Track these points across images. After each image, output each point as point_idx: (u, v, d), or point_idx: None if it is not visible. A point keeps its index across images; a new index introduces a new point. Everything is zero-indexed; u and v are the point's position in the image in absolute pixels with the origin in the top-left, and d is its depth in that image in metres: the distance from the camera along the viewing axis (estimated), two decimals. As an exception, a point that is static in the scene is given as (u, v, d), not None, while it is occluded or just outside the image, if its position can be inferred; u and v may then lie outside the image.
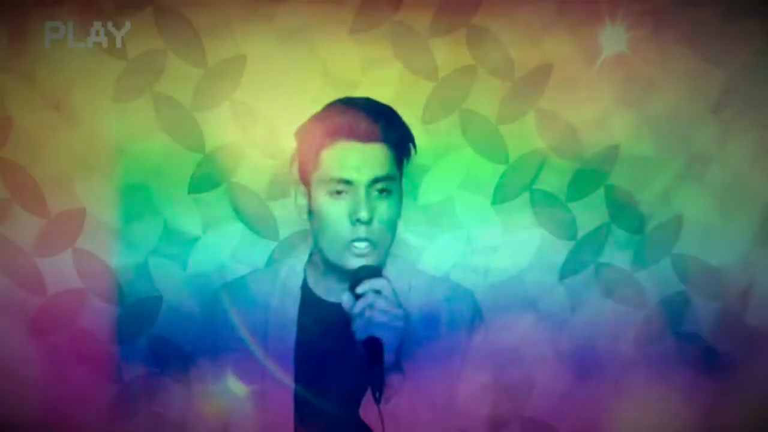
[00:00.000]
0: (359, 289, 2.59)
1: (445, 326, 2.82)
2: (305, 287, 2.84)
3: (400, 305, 2.60)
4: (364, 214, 2.63)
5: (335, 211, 2.68)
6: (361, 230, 2.66)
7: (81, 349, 3.17)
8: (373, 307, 2.57)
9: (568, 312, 3.30)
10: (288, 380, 2.74)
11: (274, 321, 2.79)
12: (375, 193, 2.68)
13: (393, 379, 2.62)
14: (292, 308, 2.81)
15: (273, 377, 2.74)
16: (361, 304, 2.57)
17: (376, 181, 2.67)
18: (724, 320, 3.32)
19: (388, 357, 2.58)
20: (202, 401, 2.83)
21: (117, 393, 3.20)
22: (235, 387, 2.76)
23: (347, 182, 2.67)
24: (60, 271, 3.16)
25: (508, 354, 3.26)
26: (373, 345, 2.55)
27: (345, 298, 2.61)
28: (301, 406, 2.74)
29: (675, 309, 3.32)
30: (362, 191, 2.66)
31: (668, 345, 3.32)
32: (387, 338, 2.56)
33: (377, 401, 2.59)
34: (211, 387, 2.81)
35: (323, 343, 2.76)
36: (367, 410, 2.64)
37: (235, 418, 2.78)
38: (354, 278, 2.63)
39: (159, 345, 3.19)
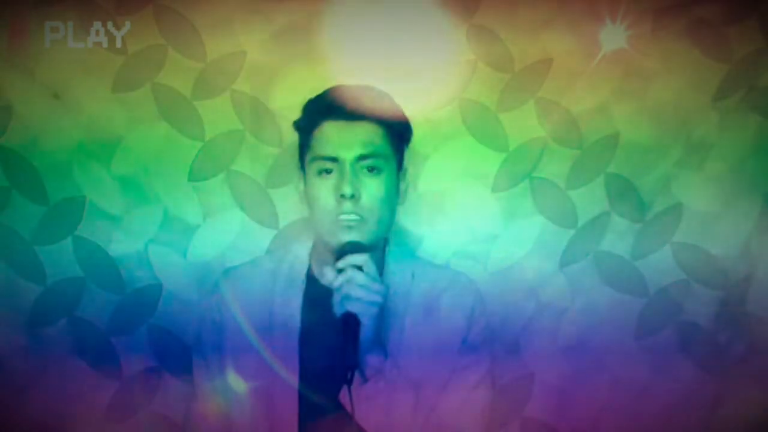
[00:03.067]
0: (339, 264, 2.61)
1: (447, 315, 2.83)
2: (309, 275, 2.85)
3: (380, 281, 2.61)
4: (347, 189, 2.66)
5: (323, 188, 2.71)
6: (347, 205, 2.67)
7: (80, 338, 3.18)
8: (351, 282, 2.58)
9: (568, 300, 3.30)
10: (291, 369, 2.74)
11: (279, 308, 2.80)
12: (363, 170, 2.70)
13: (374, 360, 2.63)
14: (296, 296, 2.82)
15: (274, 369, 2.74)
16: (340, 279, 2.58)
17: (362, 157, 2.69)
18: (725, 309, 3.31)
19: (365, 334, 2.59)
20: (203, 394, 2.83)
21: (117, 388, 3.20)
22: (235, 379, 2.76)
23: (333, 159, 2.69)
24: (60, 259, 3.16)
25: (508, 341, 3.27)
26: (350, 320, 2.57)
27: (327, 272, 2.62)
28: (305, 398, 2.74)
29: (675, 297, 3.32)
30: (347, 167, 2.68)
31: (668, 333, 3.32)
32: (363, 314, 2.58)
33: (348, 381, 2.60)
34: (213, 379, 2.81)
35: (327, 331, 2.76)
36: (346, 395, 2.65)
37: (236, 412, 2.78)
38: (339, 253, 2.65)
39: (159, 335, 3.19)
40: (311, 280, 2.85)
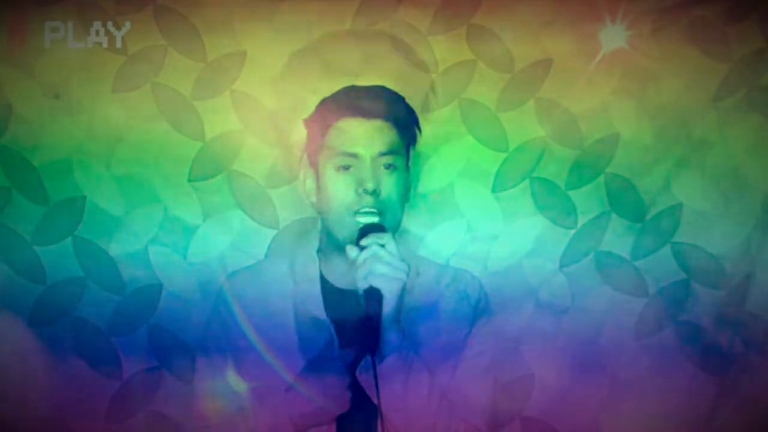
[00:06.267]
0: (364, 241, 2.65)
1: (451, 310, 2.85)
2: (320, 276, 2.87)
3: (402, 259, 2.64)
4: (370, 185, 2.70)
5: (342, 184, 2.75)
6: (368, 200, 2.70)
7: (80, 338, 3.18)
8: (375, 258, 2.60)
9: (568, 300, 3.30)
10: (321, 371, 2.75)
11: (301, 308, 2.82)
12: (381, 168, 2.73)
13: (392, 337, 2.65)
14: (318, 294, 2.83)
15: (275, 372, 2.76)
16: (364, 255, 2.61)
17: (381, 155, 2.74)
18: (725, 309, 3.31)
19: (387, 309, 2.61)
20: (203, 397, 2.84)
21: (117, 388, 3.20)
22: (236, 383, 2.77)
23: (354, 156, 2.73)
24: (60, 259, 3.16)
25: (508, 341, 3.27)
26: (373, 295, 2.61)
27: (349, 250, 2.64)
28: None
29: (675, 297, 3.32)
30: (368, 163, 2.73)
31: (668, 333, 3.32)
32: (387, 289, 2.61)
33: (372, 352, 2.62)
34: (215, 382, 2.82)
35: (345, 325, 2.77)
36: (363, 371, 2.67)
37: (245, 415, 2.79)
38: (360, 234, 2.68)
39: (159, 335, 3.19)
40: (322, 279, 2.87)
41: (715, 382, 3.31)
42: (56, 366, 3.16)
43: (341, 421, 2.75)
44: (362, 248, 2.64)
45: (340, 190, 2.74)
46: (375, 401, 2.67)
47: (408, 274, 2.64)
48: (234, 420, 2.77)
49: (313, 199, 2.85)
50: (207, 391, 2.83)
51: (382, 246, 2.63)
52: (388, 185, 2.75)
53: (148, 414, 3.20)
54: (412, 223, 3.26)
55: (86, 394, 3.18)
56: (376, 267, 2.60)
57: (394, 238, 2.76)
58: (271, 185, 3.23)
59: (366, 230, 2.68)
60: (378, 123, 2.78)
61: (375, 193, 2.71)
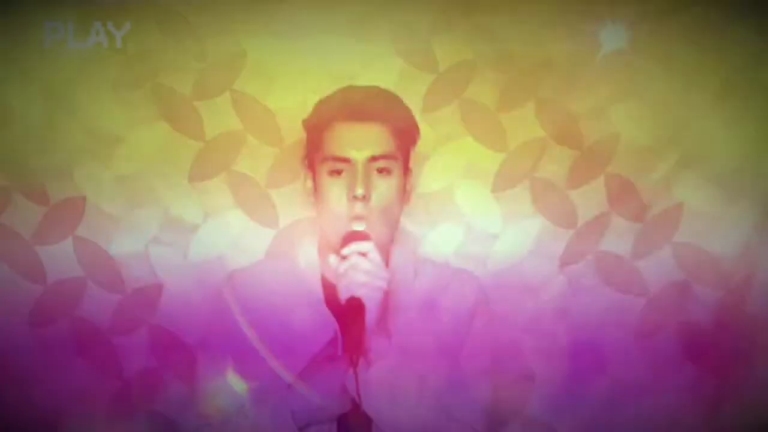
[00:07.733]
0: (344, 251, 2.63)
1: (450, 310, 2.84)
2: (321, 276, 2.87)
3: (384, 268, 2.63)
4: (360, 191, 2.68)
5: (334, 189, 2.73)
6: (359, 207, 2.69)
7: (80, 338, 3.18)
8: (355, 267, 2.60)
9: (568, 300, 3.30)
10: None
11: (307, 308, 2.81)
12: (374, 172, 2.72)
13: (378, 344, 2.65)
14: (318, 297, 2.82)
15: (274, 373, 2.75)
16: (344, 265, 2.61)
17: (374, 158, 2.71)
18: (725, 309, 3.31)
19: (369, 318, 2.61)
20: (203, 397, 2.83)
21: (117, 388, 3.20)
22: (236, 383, 2.77)
23: (345, 160, 2.71)
24: (60, 259, 3.16)
25: (508, 341, 3.27)
26: (354, 305, 2.60)
27: (331, 260, 2.64)
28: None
29: (675, 297, 3.32)
30: (359, 168, 2.71)
31: (668, 333, 3.32)
32: (369, 298, 2.61)
33: (354, 363, 2.61)
34: (215, 382, 2.81)
35: None
36: (352, 379, 2.66)
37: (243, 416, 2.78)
38: (343, 241, 2.66)
39: (159, 335, 3.19)
40: (323, 279, 2.86)
41: (715, 382, 3.31)
42: (56, 366, 3.17)
43: (342, 420, 2.74)
44: (343, 258, 2.64)
45: (333, 196, 2.73)
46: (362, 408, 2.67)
47: (389, 282, 2.65)
48: (234, 419, 2.75)
49: (312, 199, 2.85)
50: (207, 391, 2.81)
51: (364, 255, 2.63)
52: (381, 190, 2.74)
53: (148, 414, 3.20)
54: (412, 223, 3.26)
55: (86, 394, 3.18)
56: (356, 276, 2.60)
57: (392, 240, 2.77)
58: (271, 185, 3.23)
59: (349, 237, 2.67)
60: (372, 126, 2.76)
61: (365, 198, 2.70)
